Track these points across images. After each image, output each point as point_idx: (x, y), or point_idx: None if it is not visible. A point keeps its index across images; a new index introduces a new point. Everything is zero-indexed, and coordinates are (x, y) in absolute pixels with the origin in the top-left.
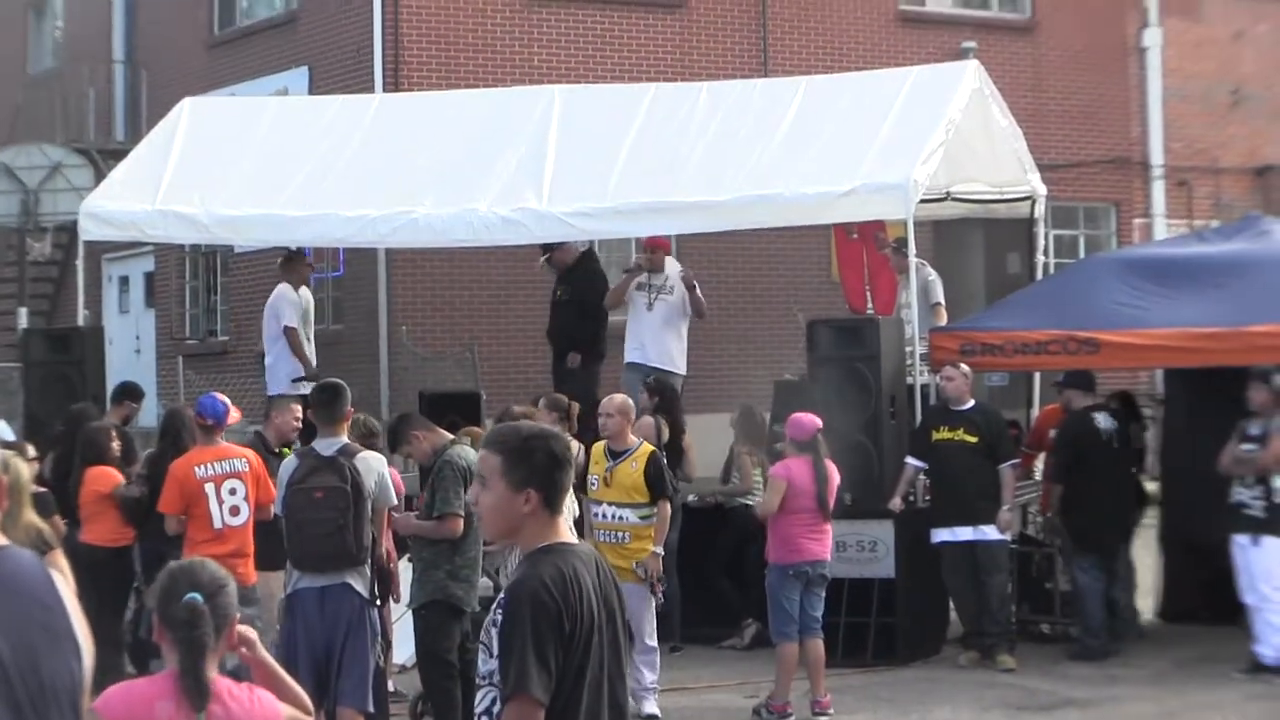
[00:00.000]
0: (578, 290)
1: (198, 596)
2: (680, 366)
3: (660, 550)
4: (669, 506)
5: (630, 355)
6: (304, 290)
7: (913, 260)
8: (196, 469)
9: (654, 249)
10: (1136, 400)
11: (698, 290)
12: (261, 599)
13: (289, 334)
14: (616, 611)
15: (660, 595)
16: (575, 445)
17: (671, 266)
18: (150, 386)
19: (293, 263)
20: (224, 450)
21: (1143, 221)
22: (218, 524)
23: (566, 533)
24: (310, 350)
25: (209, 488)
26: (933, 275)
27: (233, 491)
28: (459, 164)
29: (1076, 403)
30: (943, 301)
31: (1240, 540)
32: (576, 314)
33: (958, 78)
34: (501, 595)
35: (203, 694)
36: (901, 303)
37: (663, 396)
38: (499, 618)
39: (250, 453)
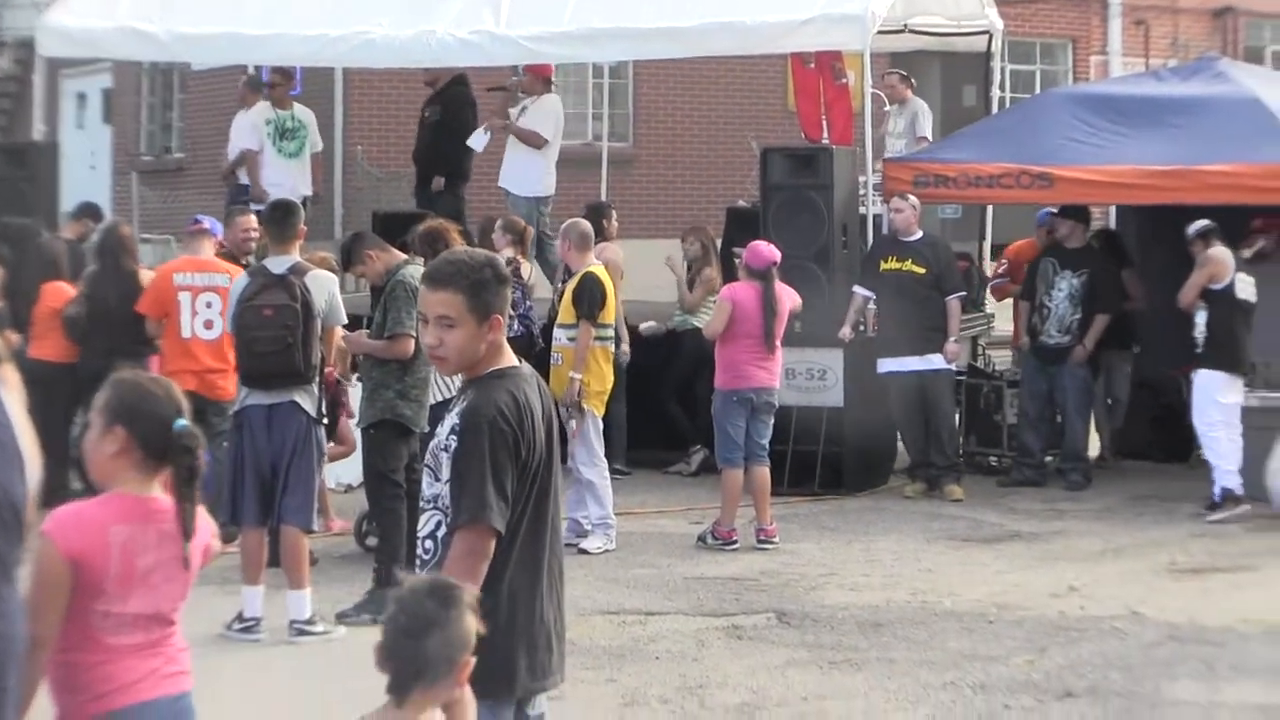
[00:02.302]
0: (448, 112)
1: (186, 423)
2: (525, 190)
3: (576, 375)
4: (589, 329)
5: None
6: (263, 106)
7: (868, 91)
8: (176, 276)
9: (525, 72)
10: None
11: (515, 127)
12: None
13: (246, 156)
14: (554, 432)
15: (571, 423)
16: (529, 268)
17: (548, 98)
18: (105, 203)
19: (274, 80)
20: (207, 263)
21: (1099, 59)
22: (186, 333)
23: (510, 355)
24: (293, 165)
25: (184, 297)
26: (922, 106)
27: (208, 305)
28: None
29: (1079, 239)
30: (930, 136)
31: (1191, 374)
32: (445, 135)
33: None
34: (455, 421)
35: (192, 524)
36: (889, 131)
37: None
38: (452, 443)
39: (236, 270)
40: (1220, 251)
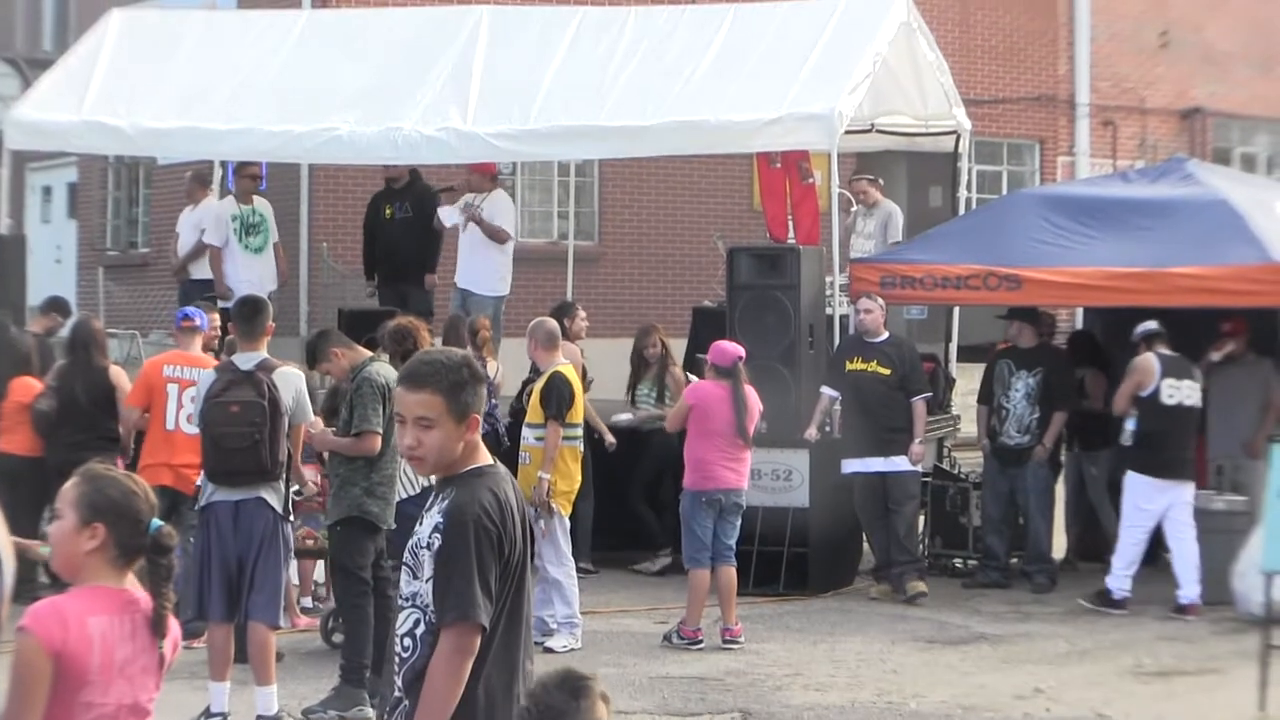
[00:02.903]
0: (417, 208)
1: (163, 524)
2: (488, 289)
3: (545, 475)
4: (557, 429)
5: (456, 277)
6: (227, 202)
7: (834, 191)
8: (166, 368)
9: (471, 172)
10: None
11: (484, 221)
12: None
13: (210, 252)
14: (529, 533)
15: (540, 525)
16: (494, 365)
17: (498, 194)
18: (71, 297)
19: (238, 174)
20: (197, 359)
21: (1067, 159)
22: (170, 425)
23: (486, 454)
24: (257, 262)
25: (172, 389)
26: (894, 209)
27: (193, 399)
28: (384, 81)
29: (1029, 339)
30: (901, 240)
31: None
32: (418, 231)
33: (885, 9)
34: (439, 519)
35: (166, 623)
36: (858, 230)
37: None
38: (435, 541)
39: None
40: (1145, 359)
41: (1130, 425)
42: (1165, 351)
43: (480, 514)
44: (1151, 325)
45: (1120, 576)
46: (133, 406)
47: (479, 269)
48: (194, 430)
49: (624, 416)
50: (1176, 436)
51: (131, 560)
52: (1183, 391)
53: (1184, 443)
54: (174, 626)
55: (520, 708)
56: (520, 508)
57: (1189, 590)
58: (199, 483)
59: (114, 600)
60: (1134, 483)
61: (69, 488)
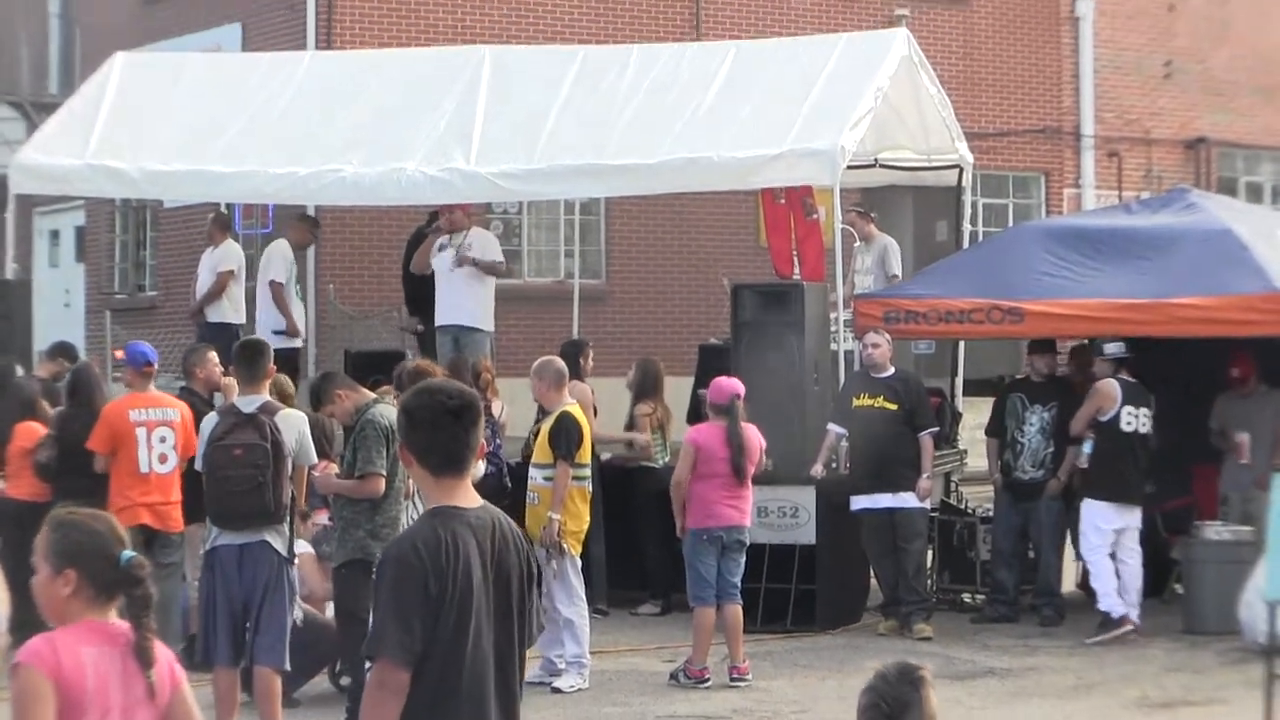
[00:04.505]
0: None
1: (132, 554)
2: (483, 323)
3: (555, 515)
4: (566, 468)
5: (438, 317)
6: (283, 244)
7: (838, 227)
8: (131, 412)
9: (450, 209)
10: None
11: (475, 261)
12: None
13: (274, 288)
14: (513, 576)
15: (553, 564)
16: (499, 405)
17: (479, 231)
18: (79, 340)
19: (301, 223)
20: (159, 399)
21: (1073, 191)
22: (144, 468)
23: (462, 496)
24: (300, 309)
25: (140, 432)
26: (891, 243)
27: (163, 439)
28: (388, 123)
29: (1051, 366)
30: (900, 274)
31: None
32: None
33: (887, 45)
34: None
35: (151, 651)
36: (856, 268)
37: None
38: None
39: (183, 405)
40: (1108, 385)
41: (1086, 448)
42: (1126, 378)
43: (407, 550)
44: (1119, 347)
45: (1108, 595)
46: (99, 452)
47: (469, 305)
48: (166, 469)
49: (605, 455)
50: (1131, 462)
51: (111, 595)
52: (1139, 419)
53: (1138, 468)
54: (164, 655)
55: (866, 702)
56: (495, 549)
57: (1115, 605)
58: (205, 530)
59: (101, 633)
60: (1090, 507)
61: (39, 538)
